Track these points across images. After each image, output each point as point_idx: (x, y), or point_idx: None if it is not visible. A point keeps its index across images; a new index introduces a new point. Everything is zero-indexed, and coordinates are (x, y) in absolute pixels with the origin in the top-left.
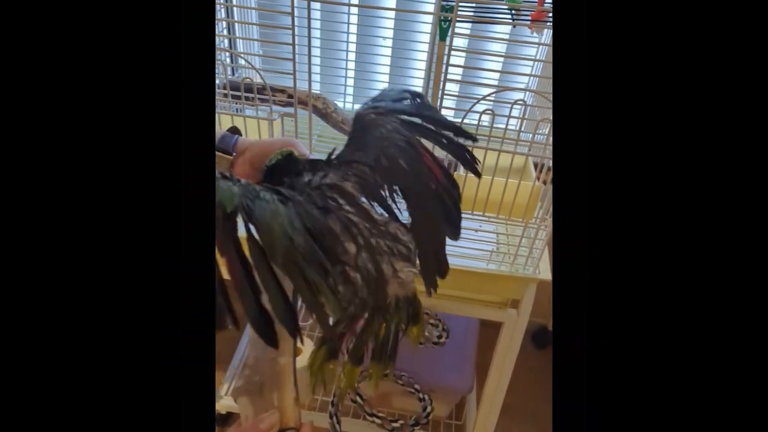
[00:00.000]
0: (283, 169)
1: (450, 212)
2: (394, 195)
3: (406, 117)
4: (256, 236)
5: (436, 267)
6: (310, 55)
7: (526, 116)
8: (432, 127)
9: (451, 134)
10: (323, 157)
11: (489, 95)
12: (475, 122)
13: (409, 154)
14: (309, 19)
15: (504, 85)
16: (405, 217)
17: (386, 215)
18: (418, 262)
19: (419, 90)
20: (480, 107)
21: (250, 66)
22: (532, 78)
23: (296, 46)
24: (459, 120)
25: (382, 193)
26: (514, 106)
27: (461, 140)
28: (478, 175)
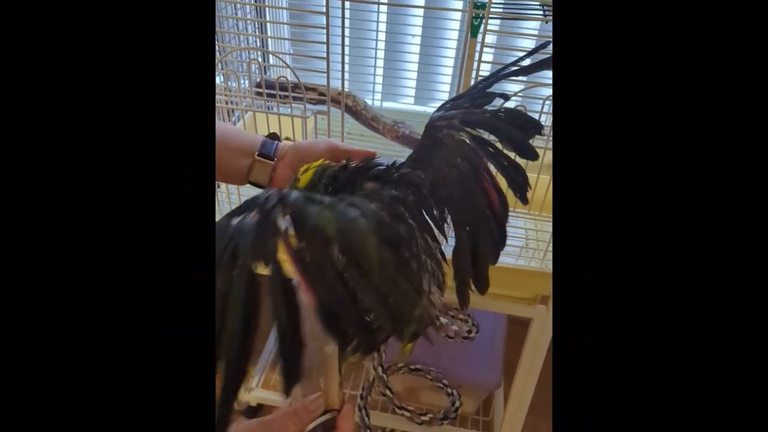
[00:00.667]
0: (347, 180)
1: (495, 239)
2: (446, 220)
3: (476, 132)
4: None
5: (467, 288)
6: (343, 54)
7: None
8: (497, 147)
9: (513, 154)
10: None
11: (521, 91)
12: None
13: (468, 182)
14: (343, 18)
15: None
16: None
17: (438, 239)
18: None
19: (447, 87)
20: (510, 104)
21: (284, 64)
22: None
23: (328, 45)
24: None
25: (435, 214)
26: (545, 103)
27: (521, 159)
28: (525, 201)
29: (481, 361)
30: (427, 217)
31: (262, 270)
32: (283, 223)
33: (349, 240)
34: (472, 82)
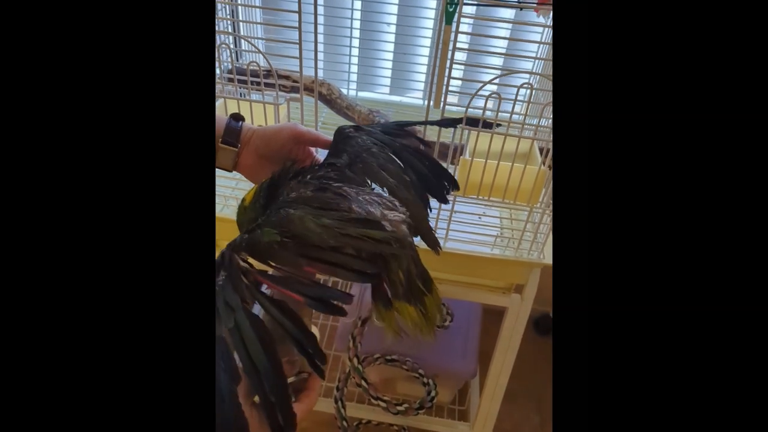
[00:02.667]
0: (279, 180)
1: (428, 186)
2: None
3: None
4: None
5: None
6: (316, 41)
7: (531, 100)
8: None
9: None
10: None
11: (495, 78)
12: (480, 107)
13: (382, 154)
14: (315, 5)
15: (508, 68)
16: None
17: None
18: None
19: (422, 77)
20: (484, 93)
21: (256, 50)
22: (536, 62)
23: (300, 33)
24: (465, 105)
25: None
26: (520, 91)
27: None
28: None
29: (456, 350)
30: (350, 172)
31: (249, 306)
32: (245, 264)
33: (292, 230)
34: (447, 69)
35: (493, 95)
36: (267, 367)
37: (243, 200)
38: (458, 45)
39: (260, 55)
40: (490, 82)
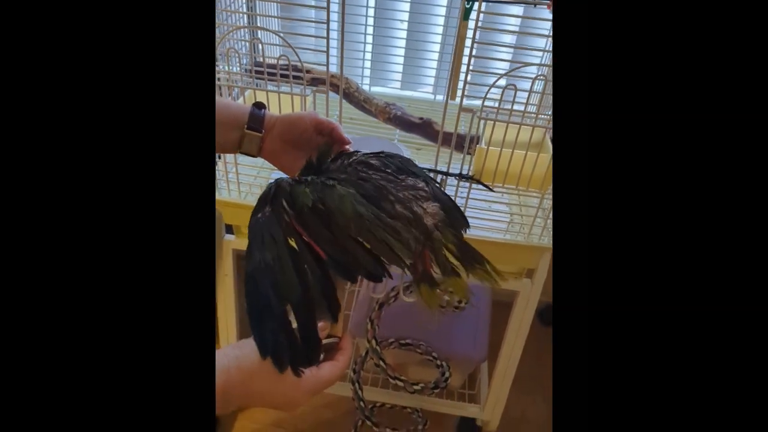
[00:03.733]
0: (321, 159)
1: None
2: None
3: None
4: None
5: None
6: (343, 38)
7: (546, 91)
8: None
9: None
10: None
11: (511, 71)
12: (496, 98)
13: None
14: (328, 4)
15: (519, 62)
16: None
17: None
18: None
19: (433, 72)
20: (497, 86)
21: (286, 45)
22: (546, 54)
23: (328, 30)
24: (480, 97)
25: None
26: (532, 82)
27: None
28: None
29: (468, 335)
30: (389, 169)
31: (292, 243)
32: (286, 206)
33: (328, 203)
34: (466, 62)
35: (509, 87)
36: (299, 293)
37: None
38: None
39: (290, 49)
40: (507, 74)
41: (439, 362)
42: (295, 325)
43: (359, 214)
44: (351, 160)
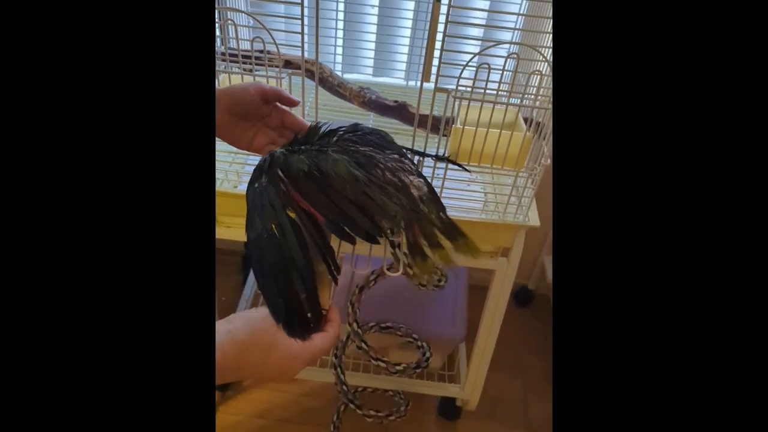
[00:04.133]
0: (308, 136)
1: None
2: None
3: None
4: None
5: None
6: (317, 24)
7: (517, 70)
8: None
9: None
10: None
11: (485, 50)
12: (470, 79)
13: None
14: None
15: (491, 39)
16: None
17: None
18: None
19: (404, 58)
20: (470, 66)
21: (262, 27)
22: (515, 32)
23: (303, 12)
24: (456, 76)
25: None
26: (504, 60)
27: None
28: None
29: (446, 316)
30: (371, 145)
31: (290, 213)
32: (282, 175)
33: (323, 167)
34: (440, 44)
35: (483, 66)
36: (303, 264)
37: None
38: (441, 20)
39: (264, 31)
40: (480, 53)
41: (419, 343)
42: (302, 292)
43: (354, 176)
44: (336, 137)
